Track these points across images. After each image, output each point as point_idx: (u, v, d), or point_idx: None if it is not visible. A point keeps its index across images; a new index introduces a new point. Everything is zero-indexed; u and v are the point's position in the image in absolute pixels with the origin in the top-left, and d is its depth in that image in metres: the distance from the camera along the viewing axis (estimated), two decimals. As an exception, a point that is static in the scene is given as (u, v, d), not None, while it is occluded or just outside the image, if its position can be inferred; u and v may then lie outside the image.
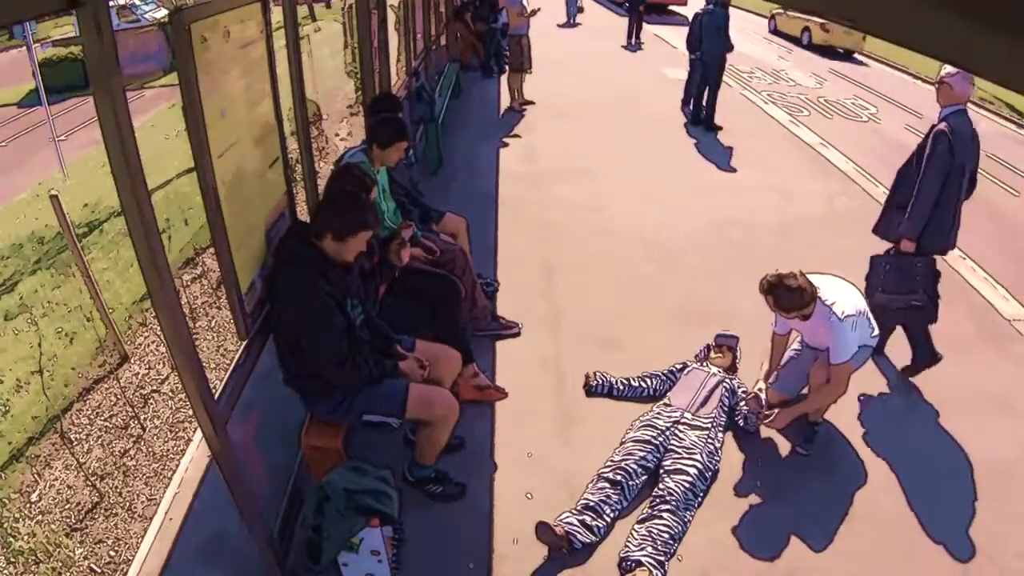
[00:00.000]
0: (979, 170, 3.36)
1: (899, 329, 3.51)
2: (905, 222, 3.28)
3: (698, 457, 2.73)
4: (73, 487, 3.50)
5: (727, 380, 3.13)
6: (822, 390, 2.85)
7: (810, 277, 2.77)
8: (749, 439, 3.01)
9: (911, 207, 3.25)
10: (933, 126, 3.24)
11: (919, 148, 3.29)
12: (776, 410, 2.93)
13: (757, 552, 2.50)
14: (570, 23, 14.78)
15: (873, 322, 2.93)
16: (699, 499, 2.66)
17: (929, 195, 3.20)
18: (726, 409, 3.03)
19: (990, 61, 0.60)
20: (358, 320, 2.48)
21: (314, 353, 2.31)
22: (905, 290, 3.32)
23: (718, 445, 2.87)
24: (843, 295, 2.83)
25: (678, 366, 3.33)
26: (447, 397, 2.55)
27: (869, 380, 3.41)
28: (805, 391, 3.04)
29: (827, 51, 12.98)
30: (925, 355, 3.47)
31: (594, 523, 2.51)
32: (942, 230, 3.29)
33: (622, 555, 2.41)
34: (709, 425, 2.89)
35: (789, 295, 2.70)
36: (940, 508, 2.71)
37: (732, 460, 2.90)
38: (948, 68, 3.17)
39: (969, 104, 3.29)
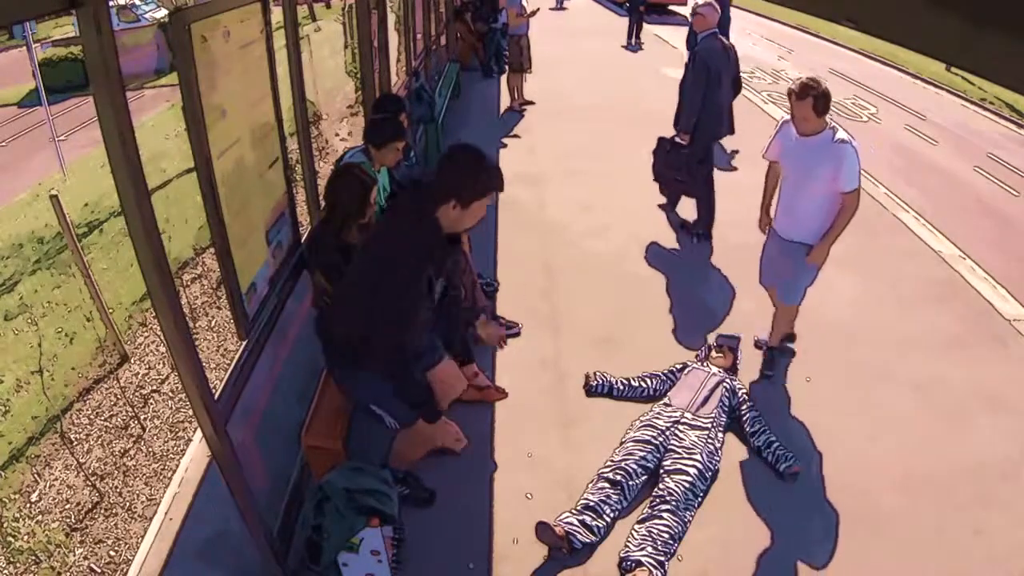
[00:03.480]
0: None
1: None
2: (681, 120, 4.70)
3: (698, 457, 2.73)
4: (73, 487, 3.51)
5: (727, 380, 3.13)
6: (839, 216, 3.00)
7: None
8: (749, 439, 3.01)
9: (684, 110, 4.65)
10: (694, 46, 4.47)
11: (686, 65, 4.56)
12: (814, 253, 3.10)
13: (757, 552, 2.49)
14: (559, 7, 17.35)
15: None
16: (699, 499, 2.66)
17: (694, 99, 4.46)
18: (726, 409, 3.03)
19: (990, 61, 0.60)
20: (437, 295, 2.29)
21: (383, 320, 2.10)
22: (675, 168, 4.80)
23: (718, 445, 2.87)
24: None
25: (678, 366, 3.33)
26: (452, 429, 2.63)
27: (871, 381, 3.41)
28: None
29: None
30: (705, 221, 4.85)
31: (594, 523, 2.51)
32: (711, 124, 4.57)
33: (622, 555, 2.41)
34: (709, 425, 2.89)
35: (824, 97, 2.83)
36: (940, 508, 2.71)
37: (732, 460, 2.90)
38: (699, 0, 4.39)
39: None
